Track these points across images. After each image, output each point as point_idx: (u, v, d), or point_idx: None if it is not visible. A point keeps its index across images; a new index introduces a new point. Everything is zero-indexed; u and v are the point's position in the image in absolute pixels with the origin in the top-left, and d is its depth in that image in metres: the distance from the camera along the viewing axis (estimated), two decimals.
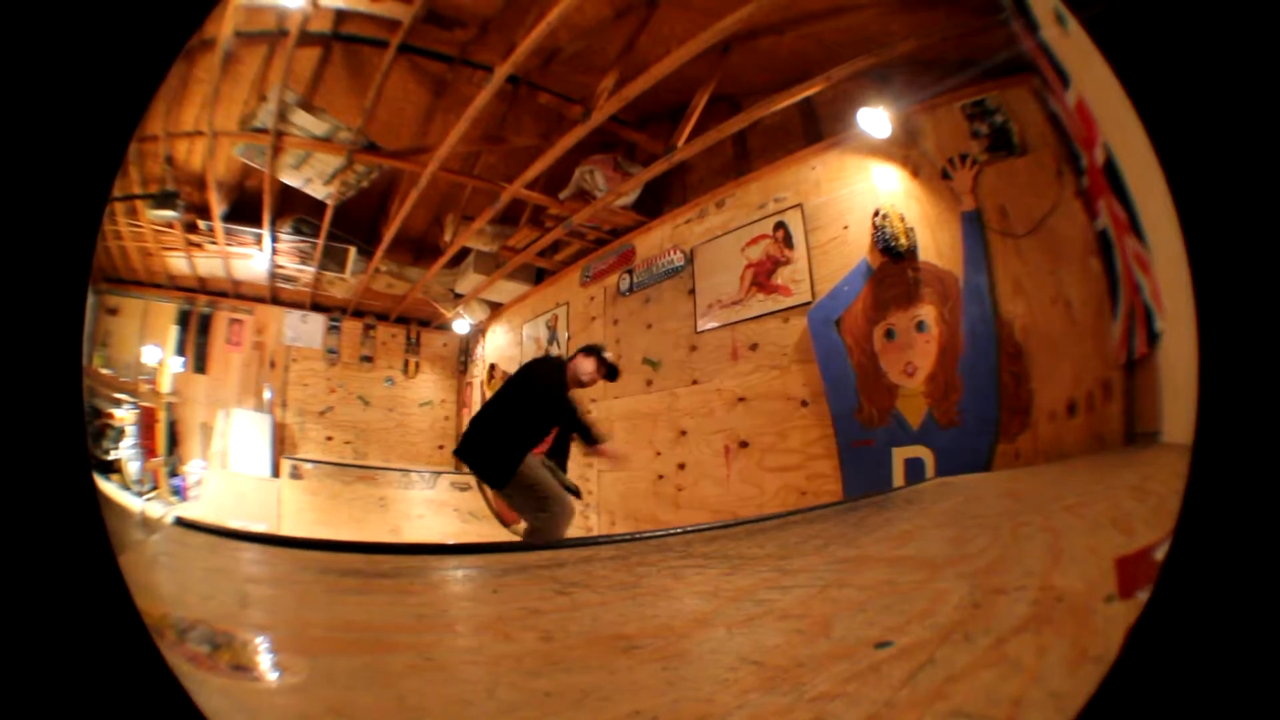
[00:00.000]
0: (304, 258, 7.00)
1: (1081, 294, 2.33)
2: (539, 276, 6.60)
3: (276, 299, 7.37)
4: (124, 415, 4.97)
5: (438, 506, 6.93)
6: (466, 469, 5.08)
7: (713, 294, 3.94)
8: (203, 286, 7.45)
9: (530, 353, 6.15)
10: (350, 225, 6.45)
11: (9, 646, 1.07)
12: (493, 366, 6.80)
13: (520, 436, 3.68)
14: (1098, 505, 1.84)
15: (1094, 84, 1.81)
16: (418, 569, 2.56)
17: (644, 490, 4.39)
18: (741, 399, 3.69)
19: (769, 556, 2.59)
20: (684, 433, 4.28)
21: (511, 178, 4.67)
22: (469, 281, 6.82)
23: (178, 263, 6.80)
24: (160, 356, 7.58)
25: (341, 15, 4.19)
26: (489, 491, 5.02)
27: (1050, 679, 1.05)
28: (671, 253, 4.50)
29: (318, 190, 5.63)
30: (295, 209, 6.40)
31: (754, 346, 3.72)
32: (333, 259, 6.84)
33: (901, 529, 2.68)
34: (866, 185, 3.49)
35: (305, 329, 7.37)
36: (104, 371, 6.19)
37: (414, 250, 6.92)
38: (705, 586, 2.25)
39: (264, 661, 1.51)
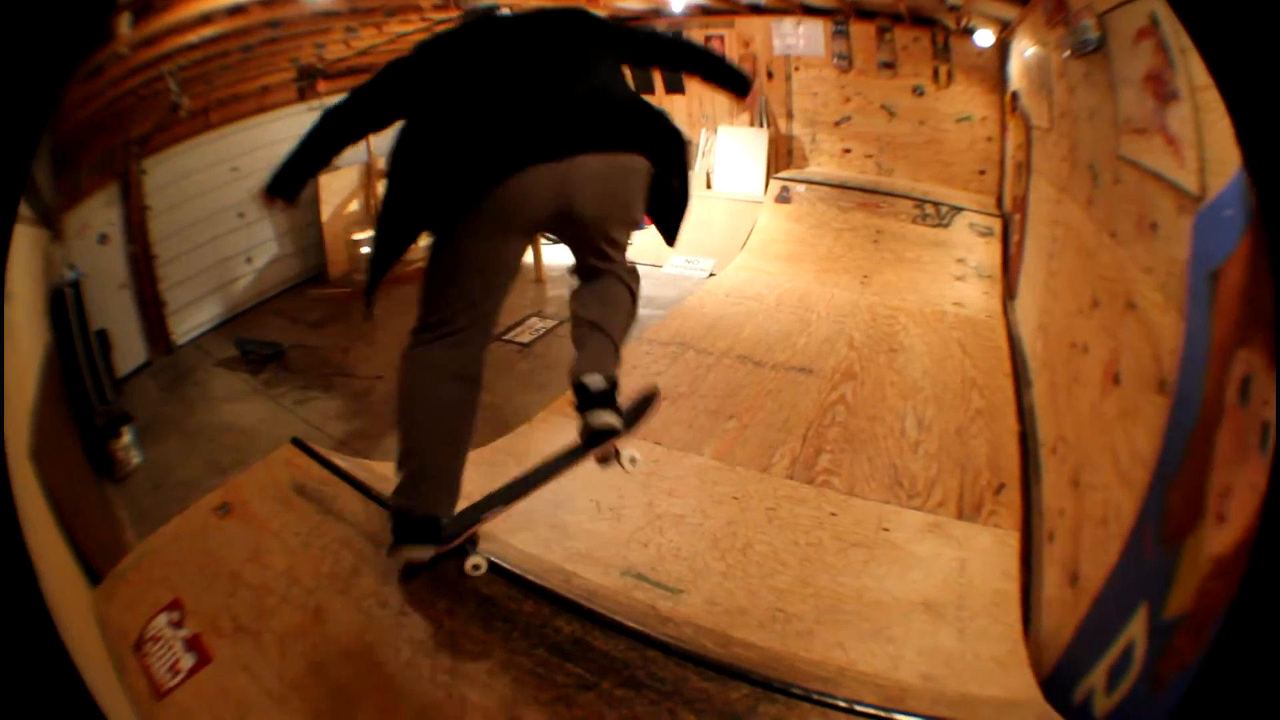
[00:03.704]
0: None
1: None
2: None
3: (759, 8, 6.87)
4: None
5: (936, 250, 5.90)
6: None
7: None
8: (656, 10, 6.87)
9: None
10: None
11: None
12: (1014, 96, 5.47)
13: None
14: None
15: None
16: None
17: None
18: None
19: None
20: None
21: None
22: None
23: None
24: None
25: None
26: None
27: None
28: None
29: None
30: None
31: None
32: None
33: None
34: None
35: (801, 37, 6.85)
36: None
37: None
38: None
39: None
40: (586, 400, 2.12)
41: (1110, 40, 2.38)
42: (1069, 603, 2.02)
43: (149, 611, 2.30)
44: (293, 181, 2.23)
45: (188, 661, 2.10)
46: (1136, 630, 1.49)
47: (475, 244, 2.06)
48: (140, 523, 2.90)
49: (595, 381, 2.12)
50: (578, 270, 2.34)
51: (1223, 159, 1.43)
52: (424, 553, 2.10)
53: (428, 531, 2.09)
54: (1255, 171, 1.17)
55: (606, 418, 2.11)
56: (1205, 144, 1.54)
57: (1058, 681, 1.90)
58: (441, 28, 2.44)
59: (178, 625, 2.21)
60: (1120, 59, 2.26)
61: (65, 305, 3.45)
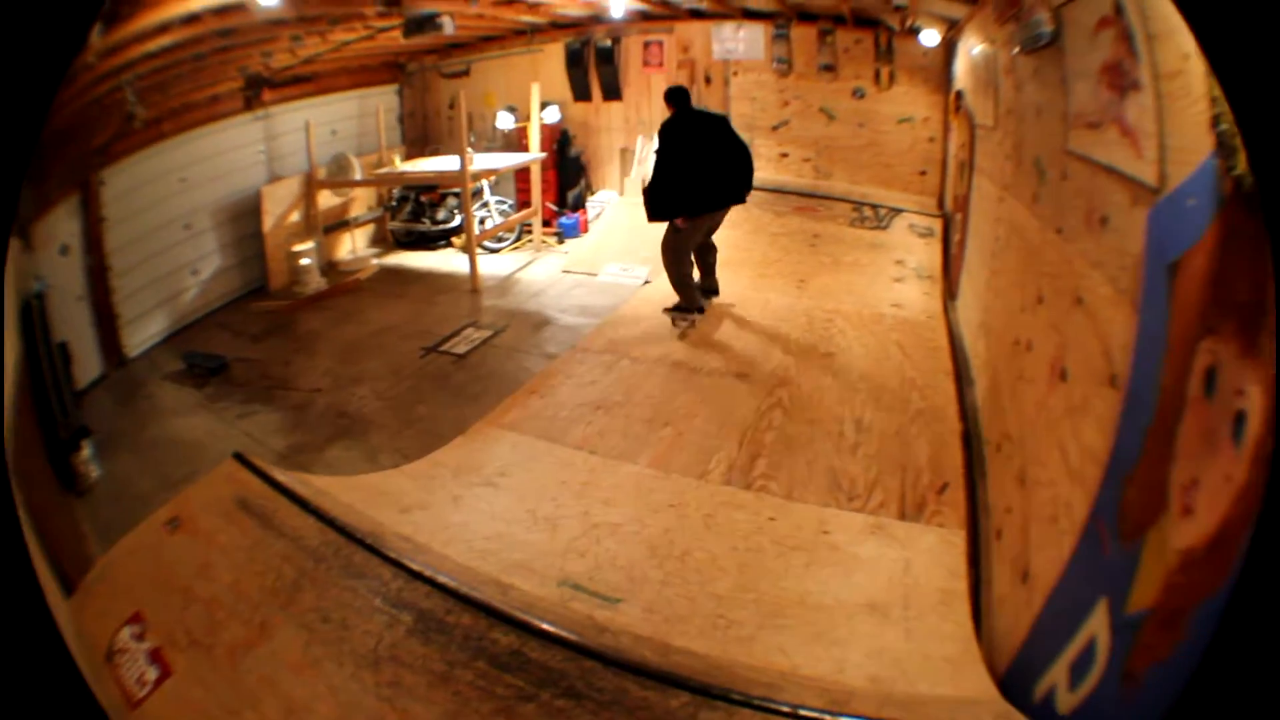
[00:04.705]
0: None
1: None
2: None
3: (699, 13, 6.82)
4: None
5: (874, 252, 5.82)
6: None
7: None
8: (596, 16, 7.02)
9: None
10: None
11: None
12: (959, 95, 5.41)
13: None
14: None
15: None
16: None
17: None
18: None
19: None
20: None
21: None
22: None
23: None
24: (511, 122, 7.63)
25: None
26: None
27: None
28: None
29: None
30: None
31: None
32: None
33: None
34: None
35: (740, 41, 6.80)
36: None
37: None
38: None
39: None
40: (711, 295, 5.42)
41: (1065, 33, 2.38)
42: (1022, 600, 2.00)
43: (115, 624, 2.32)
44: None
45: (152, 674, 2.14)
46: (1097, 625, 1.45)
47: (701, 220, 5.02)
48: (103, 536, 2.88)
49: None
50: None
51: (1186, 148, 1.39)
52: (699, 318, 5.01)
53: (700, 310, 5.07)
54: (1253, 154, 1.13)
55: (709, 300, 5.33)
56: (1166, 133, 1.51)
57: (1015, 679, 1.88)
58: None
59: (140, 638, 2.25)
60: (1074, 52, 2.26)
61: (32, 317, 3.31)
